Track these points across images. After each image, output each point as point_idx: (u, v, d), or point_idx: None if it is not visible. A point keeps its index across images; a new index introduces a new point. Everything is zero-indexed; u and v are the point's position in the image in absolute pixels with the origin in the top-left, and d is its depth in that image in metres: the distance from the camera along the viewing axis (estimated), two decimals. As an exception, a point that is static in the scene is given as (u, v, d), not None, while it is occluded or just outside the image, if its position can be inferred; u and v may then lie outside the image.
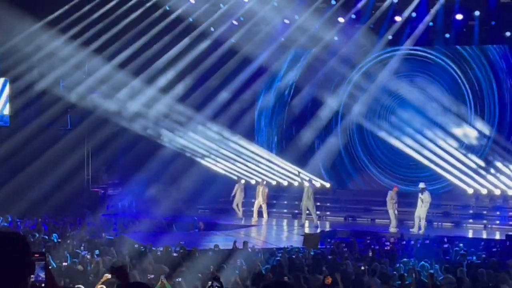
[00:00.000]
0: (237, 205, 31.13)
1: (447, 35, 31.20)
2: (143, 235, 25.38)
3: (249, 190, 31.96)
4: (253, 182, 33.52)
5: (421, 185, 27.63)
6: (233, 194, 31.13)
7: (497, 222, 29.45)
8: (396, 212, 27.99)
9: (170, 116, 32.79)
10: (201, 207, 32.04)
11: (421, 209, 27.17)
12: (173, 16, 30.84)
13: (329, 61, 33.62)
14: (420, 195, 27.38)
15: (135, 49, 30.62)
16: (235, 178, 33.67)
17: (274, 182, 34.73)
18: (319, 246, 21.73)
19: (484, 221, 29.54)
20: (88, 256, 17.95)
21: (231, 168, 34.99)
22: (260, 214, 30.61)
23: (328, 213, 31.86)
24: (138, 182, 30.67)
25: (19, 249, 4.37)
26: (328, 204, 32.53)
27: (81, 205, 29.87)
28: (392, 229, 27.73)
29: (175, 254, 18.77)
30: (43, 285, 6.07)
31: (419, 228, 27.10)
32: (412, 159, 32.49)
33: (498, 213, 30.31)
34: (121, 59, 30.45)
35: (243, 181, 32.07)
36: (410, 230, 27.05)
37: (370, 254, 19.89)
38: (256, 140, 35.31)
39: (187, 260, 17.47)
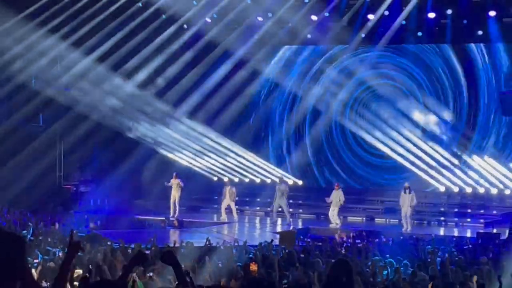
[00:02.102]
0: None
1: (420, 33, 31.31)
2: (115, 233, 25.28)
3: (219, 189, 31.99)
4: (225, 179, 33.43)
5: (406, 184, 27.87)
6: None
7: (468, 220, 29.62)
8: (333, 210, 28.34)
9: (146, 111, 32.62)
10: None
11: (408, 209, 27.33)
12: (151, 10, 30.63)
13: (303, 57, 33.91)
14: (403, 193, 27.58)
15: (112, 44, 30.38)
16: (210, 175, 33.85)
17: (247, 180, 34.73)
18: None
19: (455, 219, 29.71)
20: (60, 254, 17.79)
21: (205, 166, 34.92)
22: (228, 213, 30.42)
23: (300, 210, 31.87)
24: (112, 179, 30.43)
25: (13, 251, 4.22)
26: (300, 202, 32.54)
27: (53, 202, 29.63)
28: (332, 225, 28.38)
29: (147, 252, 18.65)
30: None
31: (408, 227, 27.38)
32: (386, 158, 32.79)
33: (469, 210, 30.51)
34: (97, 54, 30.25)
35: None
36: (402, 230, 27.18)
37: (343, 251, 19.91)
38: (235, 138, 35.12)
39: (159, 257, 17.33)
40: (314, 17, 31.22)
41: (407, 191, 27.64)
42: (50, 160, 29.90)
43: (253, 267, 15.38)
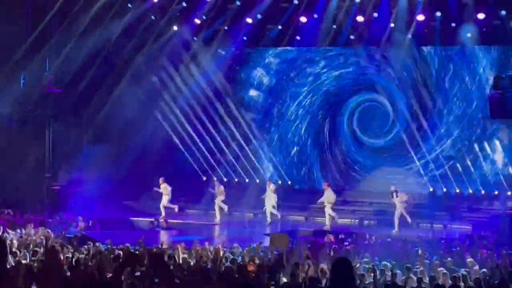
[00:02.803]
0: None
1: (409, 36, 31.33)
2: (104, 233, 25.27)
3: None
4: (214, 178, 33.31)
5: (392, 188, 28.04)
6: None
7: (457, 221, 29.65)
8: (331, 210, 28.31)
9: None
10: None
11: (400, 205, 27.46)
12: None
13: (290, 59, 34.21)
14: (391, 198, 27.75)
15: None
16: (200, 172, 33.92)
17: (236, 179, 34.73)
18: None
19: (444, 221, 29.72)
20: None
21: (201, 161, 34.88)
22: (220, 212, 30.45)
23: (289, 212, 31.68)
24: (101, 180, 30.26)
25: None
26: (290, 203, 32.33)
27: (42, 203, 29.51)
28: (326, 227, 28.29)
29: (136, 253, 18.62)
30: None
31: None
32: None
33: (457, 212, 30.52)
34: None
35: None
36: (393, 231, 27.24)
37: (332, 253, 19.91)
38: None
39: (147, 258, 17.31)
40: (303, 19, 31.31)
41: (394, 194, 27.94)
42: (39, 160, 29.77)
43: (251, 267, 15.37)
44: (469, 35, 30.19)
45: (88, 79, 30.11)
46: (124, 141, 31.97)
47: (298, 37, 32.44)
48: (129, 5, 30.74)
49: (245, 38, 32.91)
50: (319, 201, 29.06)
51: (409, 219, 27.86)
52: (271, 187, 29.87)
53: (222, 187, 30.47)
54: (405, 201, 27.87)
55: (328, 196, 28.73)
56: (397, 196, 27.92)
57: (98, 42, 29.99)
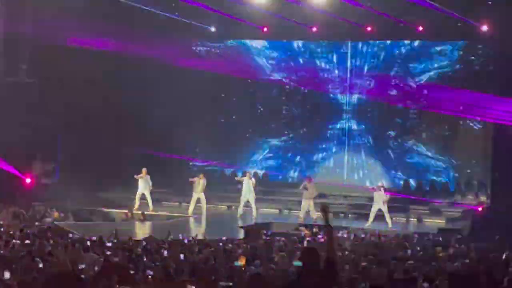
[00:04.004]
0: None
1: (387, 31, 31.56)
2: (78, 225, 25.23)
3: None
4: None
5: (380, 183, 28.19)
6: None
7: (430, 215, 29.81)
8: (309, 204, 28.20)
9: None
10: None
11: (383, 205, 27.34)
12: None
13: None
14: (375, 192, 27.65)
15: None
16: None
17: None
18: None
19: (417, 215, 29.83)
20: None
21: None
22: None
23: (262, 204, 31.48)
24: (76, 170, 30.03)
25: None
26: (264, 196, 32.18)
27: (14, 194, 29.27)
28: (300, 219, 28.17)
29: (108, 244, 18.59)
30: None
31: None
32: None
33: (430, 206, 30.64)
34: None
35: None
36: (366, 224, 27.20)
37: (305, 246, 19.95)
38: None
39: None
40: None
41: (381, 189, 27.67)
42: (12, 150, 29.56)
43: (242, 260, 15.35)
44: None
45: (62, 69, 29.77)
46: (99, 131, 31.68)
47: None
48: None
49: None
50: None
51: (390, 224, 27.52)
52: (252, 180, 29.59)
53: (205, 181, 30.02)
54: (387, 201, 27.50)
55: (311, 191, 28.44)
56: (382, 191, 27.65)
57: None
